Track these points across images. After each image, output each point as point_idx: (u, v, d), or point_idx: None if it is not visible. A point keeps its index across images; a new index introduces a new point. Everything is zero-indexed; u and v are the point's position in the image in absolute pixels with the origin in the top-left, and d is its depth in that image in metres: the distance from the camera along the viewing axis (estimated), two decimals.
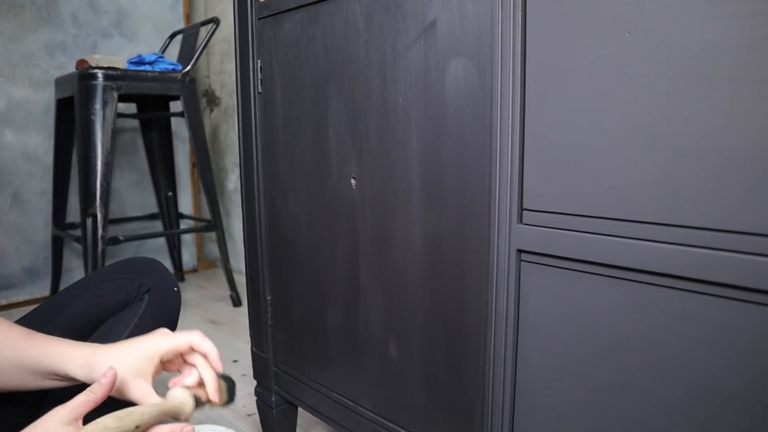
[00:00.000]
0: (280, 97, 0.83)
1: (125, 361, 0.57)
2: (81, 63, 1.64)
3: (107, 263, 1.67)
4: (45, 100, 1.90)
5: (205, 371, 0.60)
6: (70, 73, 1.65)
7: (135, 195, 2.21)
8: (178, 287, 0.80)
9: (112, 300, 0.76)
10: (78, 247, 2.01)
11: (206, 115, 2.34)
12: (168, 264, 2.23)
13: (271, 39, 0.83)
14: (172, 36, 2.08)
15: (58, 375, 0.58)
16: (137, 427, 0.51)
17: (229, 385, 0.62)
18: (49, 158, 1.91)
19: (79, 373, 0.57)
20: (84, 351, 0.58)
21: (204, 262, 2.44)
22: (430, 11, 0.60)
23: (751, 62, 0.39)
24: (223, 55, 2.23)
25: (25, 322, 0.69)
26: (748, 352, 0.42)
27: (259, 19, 0.84)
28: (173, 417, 0.57)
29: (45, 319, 0.72)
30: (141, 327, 0.72)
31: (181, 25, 2.26)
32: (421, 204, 0.64)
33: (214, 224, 1.86)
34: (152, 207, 2.23)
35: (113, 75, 1.58)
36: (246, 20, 0.86)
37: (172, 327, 0.78)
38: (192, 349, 0.61)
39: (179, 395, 0.58)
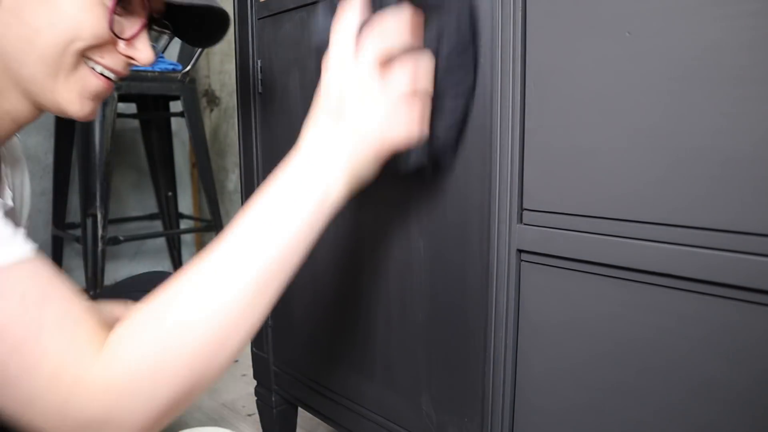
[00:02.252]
0: (280, 97, 0.83)
1: None
2: None
3: (107, 264, 1.67)
4: None
5: None
6: None
7: (135, 195, 2.20)
8: None
9: None
10: (78, 247, 2.00)
11: (206, 115, 2.34)
12: (168, 264, 2.23)
13: (271, 39, 0.83)
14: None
15: None
16: None
17: None
18: (49, 158, 1.91)
19: None
20: None
21: None
22: None
23: (753, 63, 0.39)
24: (223, 55, 2.22)
25: None
26: (749, 353, 0.41)
27: (259, 19, 0.84)
28: None
29: None
30: None
31: None
32: (420, 203, 0.64)
33: (214, 224, 1.86)
34: (152, 207, 2.23)
35: None
36: (246, 20, 0.86)
37: None
38: None
39: None
